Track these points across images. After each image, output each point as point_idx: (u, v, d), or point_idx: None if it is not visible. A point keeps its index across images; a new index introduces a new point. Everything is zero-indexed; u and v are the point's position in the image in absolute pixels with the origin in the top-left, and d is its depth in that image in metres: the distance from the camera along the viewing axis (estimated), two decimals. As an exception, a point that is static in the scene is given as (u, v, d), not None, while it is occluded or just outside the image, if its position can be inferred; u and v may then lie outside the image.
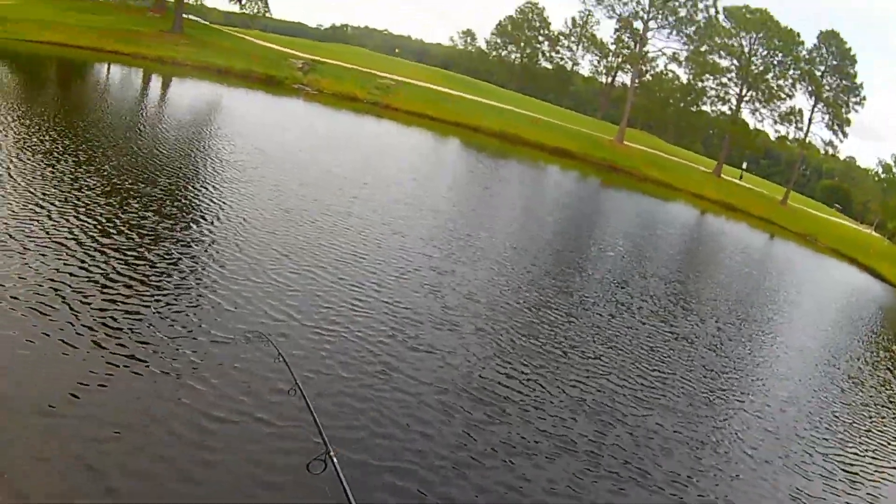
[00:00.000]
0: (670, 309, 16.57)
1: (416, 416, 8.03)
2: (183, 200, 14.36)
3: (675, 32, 66.40)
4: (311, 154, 24.54)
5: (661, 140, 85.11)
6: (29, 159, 14.13)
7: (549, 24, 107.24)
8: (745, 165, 74.18)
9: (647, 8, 66.15)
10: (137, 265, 10.23)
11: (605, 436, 8.83)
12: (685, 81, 72.95)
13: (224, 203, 14.85)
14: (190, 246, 11.70)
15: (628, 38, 69.37)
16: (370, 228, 15.94)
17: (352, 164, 24.74)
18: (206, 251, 11.68)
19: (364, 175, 22.99)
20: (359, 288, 11.78)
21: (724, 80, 67.87)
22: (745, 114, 68.63)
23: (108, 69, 35.66)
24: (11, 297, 8.27)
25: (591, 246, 22.80)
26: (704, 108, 72.05)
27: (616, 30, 72.25)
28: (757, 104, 66.98)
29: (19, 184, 12.44)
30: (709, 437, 9.80)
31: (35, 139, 15.83)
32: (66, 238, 10.48)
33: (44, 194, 12.19)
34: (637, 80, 70.15)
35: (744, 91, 66.87)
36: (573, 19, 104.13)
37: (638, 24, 67.40)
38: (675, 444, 9.18)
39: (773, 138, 71.28)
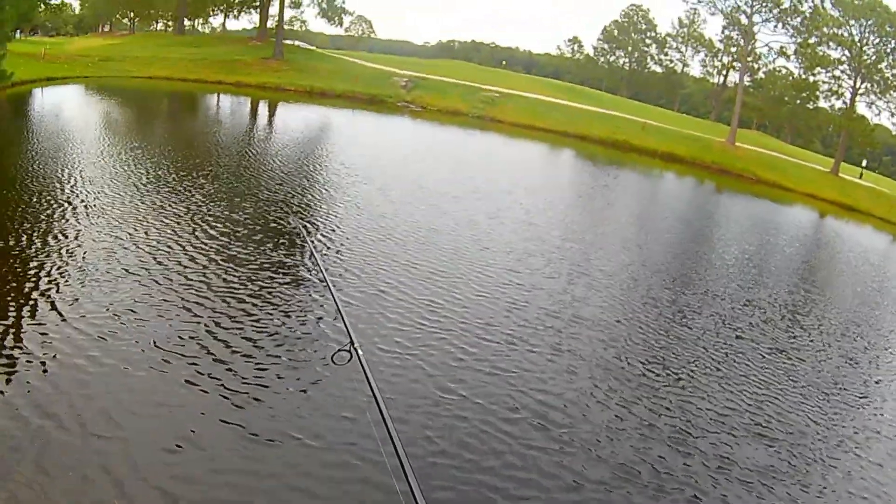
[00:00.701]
0: (774, 321, 15.25)
1: (477, 441, 7.63)
2: (268, 224, 14.58)
3: (780, 25, 62.42)
4: (406, 170, 24.55)
5: (777, 140, 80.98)
6: (120, 191, 14.74)
7: (656, 25, 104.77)
8: (864, 163, 69.12)
9: (750, 1, 62.92)
10: (212, 291, 10.41)
11: (674, 465, 8.04)
12: (797, 76, 69.14)
13: (309, 225, 14.99)
14: (268, 270, 11.79)
15: (736, 34, 66.23)
16: (456, 244, 15.66)
17: (447, 179, 24.63)
18: (283, 273, 11.72)
19: (458, 189, 22.77)
20: (434, 305, 11.52)
21: (837, 72, 63.39)
22: (862, 108, 64.14)
23: (218, 98, 37.14)
24: (85, 323, 8.53)
25: (695, 256, 21.53)
26: (820, 104, 68.01)
27: (723, 27, 69.47)
28: (873, 96, 62.06)
29: (105, 215, 13.04)
30: (801, 470, 8.69)
31: (127, 170, 16.50)
32: (141, 267, 10.82)
33: (129, 223, 12.70)
34: (749, 79, 66.97)
35: (858, 83, 62.00)
36: (679, 19, 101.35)
37: (743, 20, 64.32)
38: (759, 478, 8.19)
39: (894, 133, 66.39)
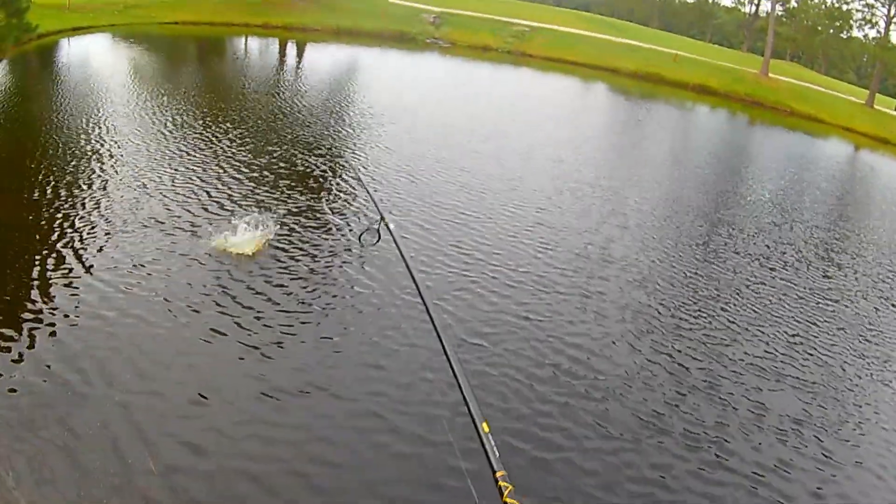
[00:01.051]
0: (809, 261, 14.55)
1: (505, 389, 7.37)
2: (294, 168, 14.22)
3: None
4: (433, 109, 23.86)
5: (811, 71, 78.02)
6: (146, 139, 14.47)
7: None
8: (901, 94, 66.35)
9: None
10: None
11: (706, 416, 7.65)
12: (830, 4, 65.98)
13: (333, 169, 14.57)
14: (295, 215, 11.48)
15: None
16: (484, 183, 15.16)
17: (475, 116, 23.90)
18: (303, 215, 11.47)
19: (486, 127, 22.10)
20: (461, 248, 11.18)
21: (870, 0, 60.44)
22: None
23: (245, 41, 36.33)
24: (109, 275, 8.35)
25: (729, 192, 20.53)
26: (854, 33, 64.94)
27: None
28: (908, 26, 58.97)
29: (130, 164, 12.79)
30: (836, 421, 8.20)
31: (153, 118, 16.18)
32: (165, 217, 10.48)
33: (154, 172, 12.45)
34: (781, 8, 63.92)
35: (892, 12, 58.80)
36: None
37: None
38: (792, 428, 7.77)
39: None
